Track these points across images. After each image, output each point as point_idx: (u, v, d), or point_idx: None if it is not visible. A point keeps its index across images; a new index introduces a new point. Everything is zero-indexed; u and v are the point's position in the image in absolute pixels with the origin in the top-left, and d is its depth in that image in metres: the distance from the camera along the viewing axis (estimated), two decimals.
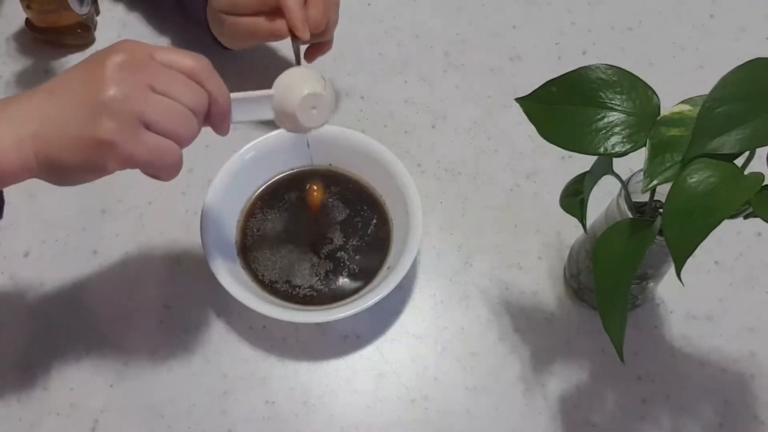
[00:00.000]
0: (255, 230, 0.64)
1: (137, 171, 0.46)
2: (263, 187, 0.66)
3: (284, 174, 0.66)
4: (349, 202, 0.65)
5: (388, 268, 0.61)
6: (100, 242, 0.65)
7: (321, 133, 0.65)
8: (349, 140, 0.65)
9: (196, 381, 0.59)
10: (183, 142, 0.46)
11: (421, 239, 0.59)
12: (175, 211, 0.66)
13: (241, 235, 0.63)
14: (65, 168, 0.44)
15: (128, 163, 0.44)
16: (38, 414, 0.57)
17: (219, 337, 0.61)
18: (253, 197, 0.65)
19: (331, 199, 0.66)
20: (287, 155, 0.66)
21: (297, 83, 0.51)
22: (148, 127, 0.44)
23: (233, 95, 0.50)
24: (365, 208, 0.65)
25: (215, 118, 0.49)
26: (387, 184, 0.64)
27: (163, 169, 0.46)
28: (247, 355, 0.60)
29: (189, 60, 0.46)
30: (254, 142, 0.64)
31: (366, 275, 0.62)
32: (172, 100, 0.45)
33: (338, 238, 0.64)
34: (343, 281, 0.62)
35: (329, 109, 0.52)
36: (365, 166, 0.65)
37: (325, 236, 0.64)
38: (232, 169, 0.63)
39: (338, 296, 0.61)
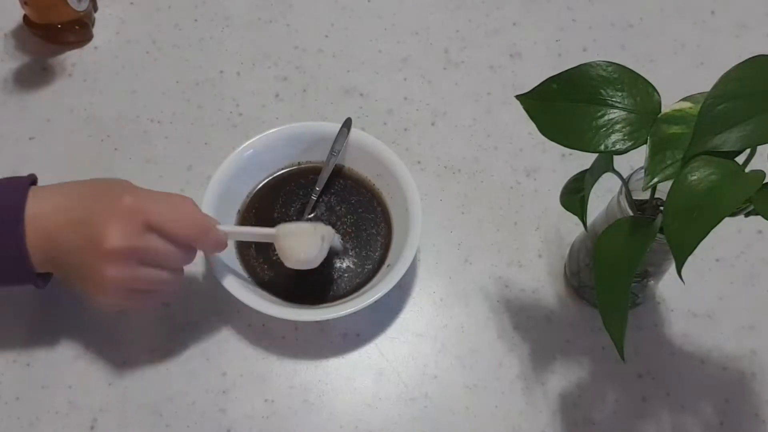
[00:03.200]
0: None
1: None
2: (262, 184, 0.65)
3: (283, 171, 0.66)
4: (348, 200, 0.65)
5: (387, 266, 0.61)
6: None
7: (320, 130, 0.65)
8: (349, 137, 0.65)
9: (195, 379, 0.59)
10: (165, 291, 0.54)
11: (421, 237, 0.59)
12: None
13: None
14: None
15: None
16: (37, 412, 0.57)
17: (218, 335, 0.61)
18: (252, 194, 0.65)
19: (331, 197, 0.65)
20: (286, 152, 0.66)
21: (299, 241, 0.56)
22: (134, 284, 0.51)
23: (235, 231, 0.59)
24: (365, 205, 0.65)
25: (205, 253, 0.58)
26: (386, 182, 0.64)
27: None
28: (246, 354, 0.60)
29: (183, 230, 0.51)
30: (253, 139, 0.64)
31: (366, 273, 0.61)
32: (158, 269, 0.51)
33: (338, 236, 0.63)
34: (343, 279, 0.61)
35: (321, 257, 0.57)
36: (365, 163, 0.65)
37: None
38: (230, 166, 0.62)
39: (338, 294, 0.61)
